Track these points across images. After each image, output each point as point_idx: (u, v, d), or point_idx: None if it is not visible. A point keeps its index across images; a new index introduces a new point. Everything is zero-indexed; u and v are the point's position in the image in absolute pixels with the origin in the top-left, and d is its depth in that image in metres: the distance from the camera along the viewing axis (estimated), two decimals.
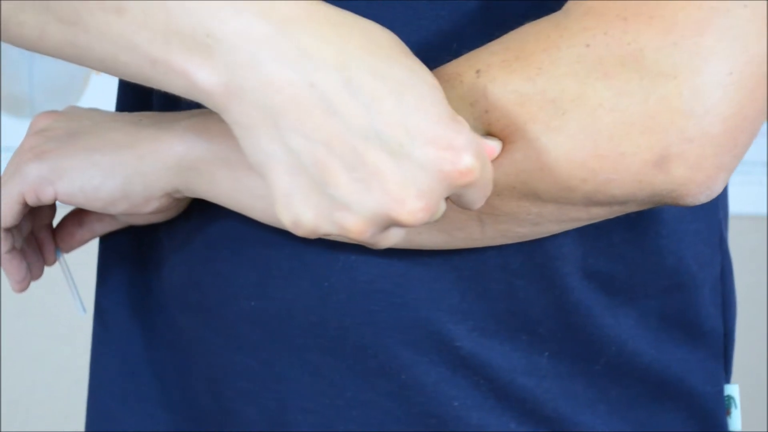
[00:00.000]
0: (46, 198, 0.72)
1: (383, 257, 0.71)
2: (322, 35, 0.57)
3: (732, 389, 0.78)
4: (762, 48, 0.62)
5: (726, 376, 0.78)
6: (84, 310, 0.73)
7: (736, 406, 0.78)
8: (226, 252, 0.75)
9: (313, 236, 0.58)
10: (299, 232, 0.58)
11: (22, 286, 0.77)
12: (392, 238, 0.59)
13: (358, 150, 0.56)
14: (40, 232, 0.78)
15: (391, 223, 0.57)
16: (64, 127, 0.74)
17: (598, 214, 0.66)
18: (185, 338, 0.78)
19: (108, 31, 0.59)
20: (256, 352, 0.74)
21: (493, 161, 0.63)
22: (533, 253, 0.72)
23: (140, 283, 0.81)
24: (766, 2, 0.62)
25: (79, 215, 0.79)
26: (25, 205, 0.73)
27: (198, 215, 0.76)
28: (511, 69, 0.63)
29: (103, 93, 1.73)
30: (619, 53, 0.62)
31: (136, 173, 0.71)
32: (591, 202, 0.64)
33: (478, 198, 0.60)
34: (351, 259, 0.72)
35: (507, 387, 0.72)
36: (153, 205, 0.72)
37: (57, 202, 0.74)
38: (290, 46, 0.56)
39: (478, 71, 0.64)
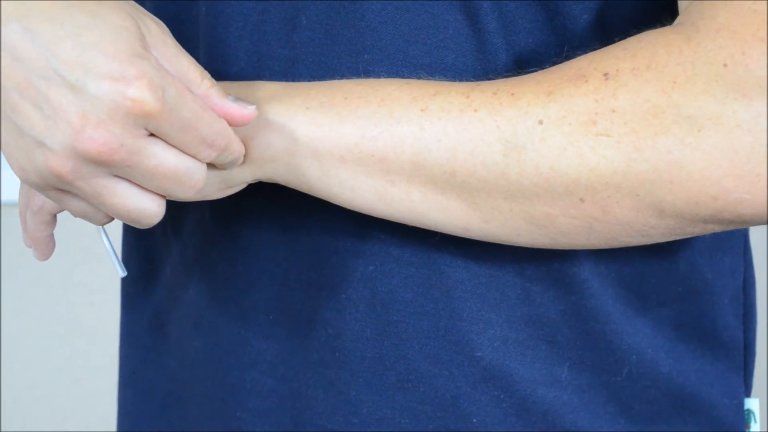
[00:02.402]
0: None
1: (402, 267, 0.71)
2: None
3: (752, 403, 0.77)
4: None
5: (746, 389, 0.78)
6: (124, 271, 0.72)
7: (755, 421, 0.77)
8: (243, 267, 0.74)
9: (38, 184, 0.62)
10: (27, 180, 0.63)
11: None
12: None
13: (42, 90, 0.60)
14: None
15: (79, 155, 0.60)
16: None
17: (711, 229, 0.66)
18: (188, 364, 0.77)
19: None
20: (272, 368, 0.74)
21: (616, 167, 0.63)
22: (548, 258, 0.71)
23: (158, 308, 0.80)
24: None
25: None
26: None
27: (214, 232, 0.75)
28: (644, 78, 0.63)
29: None
30: (758, 75, 0.62)
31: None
32: (715, 219, 0.64)
33: (179, 138, 0.62)
34: (369, 270, 0.71)
35: (527, 400, 0.72)
36: (226, 194, 0.70)
37: None
38: None
39: (605, 74, 0.64)
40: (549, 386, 0.72)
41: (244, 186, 0.69)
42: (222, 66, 0.73)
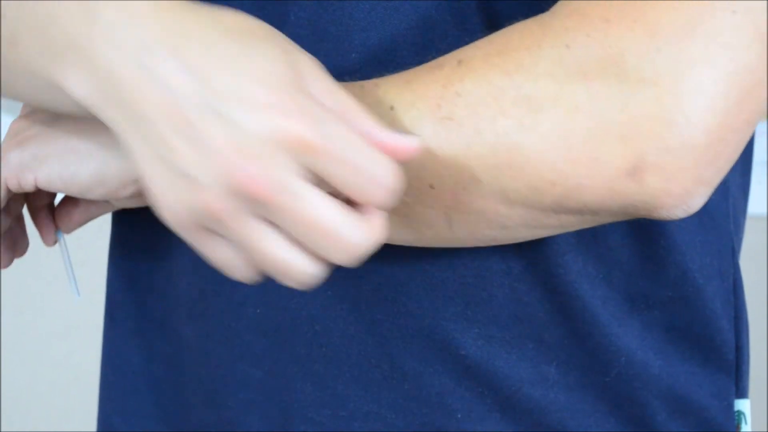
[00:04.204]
0: (26, 185, 0.71)
1: (386, 266, 0.70)
2: (163, 24, 0.58)
3: (743, 404, 0.77)
4: (750, 57, 0.60)
5: (737, 391, 0.77)
6: (78, 293, 0.71)
7: (746, 422, 0.77)
8: None
9: (186, 225, 0.58)
10: (175, 221, 0.58)
11: (5, 265, 0.77)
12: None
13: (195, 123, 0.56)
14: (40, 212, 0.77)
15: (233, 190, 0.56)
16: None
17: (569, 222, 0.64)
18: (185, 350, 0.77)
19: (8, 60, 0.63)
20: (260, 361, 0.73)
21: (458, 150, 0.62)
22: (535, 258, 0.70)
23: (149, 293, 0.80)
24: (757, 9, 0.60)
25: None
26: (9, 190, 0.72)
27: None
28: (492, 62, 0.62)
29: None
30: (600, 56, 0.60)
31: (111, 157, 0.69)
32: (561, 207, 0.63)
33: (346, 177, 0.57)
34: (354, 268, 0.71)
35: (512, 397, 0.71)
36: (129, 190, 0.69)
37: None
38: (132, 40, 0.58)
39: (459, 61, 0.63)
40: (535, 384, 0.71)
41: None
42: None
